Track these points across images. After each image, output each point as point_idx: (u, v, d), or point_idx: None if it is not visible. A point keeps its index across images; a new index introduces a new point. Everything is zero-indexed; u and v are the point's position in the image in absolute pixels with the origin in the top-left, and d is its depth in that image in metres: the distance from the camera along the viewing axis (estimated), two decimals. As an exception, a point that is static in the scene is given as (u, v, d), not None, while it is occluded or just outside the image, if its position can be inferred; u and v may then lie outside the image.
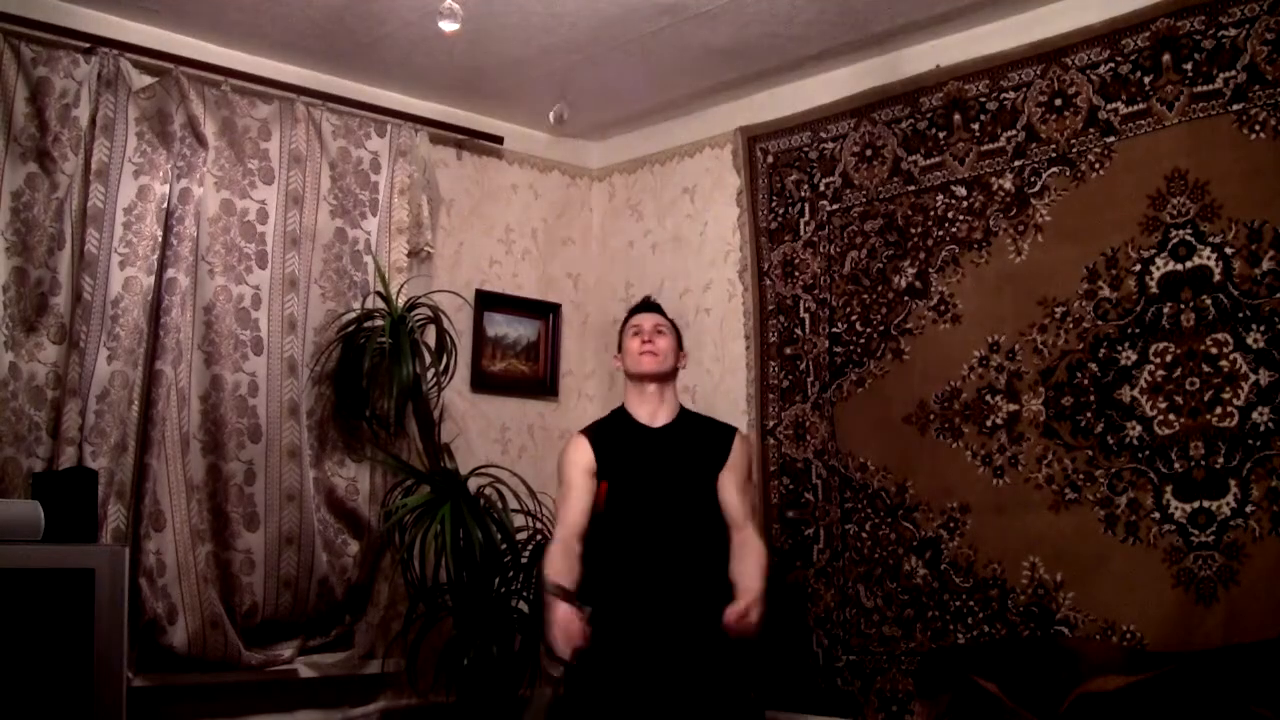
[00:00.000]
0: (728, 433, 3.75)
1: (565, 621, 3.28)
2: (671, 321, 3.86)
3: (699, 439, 3.71)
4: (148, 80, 4.06)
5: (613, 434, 3.73)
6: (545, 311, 5.15)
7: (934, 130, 4.08)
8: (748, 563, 3.47)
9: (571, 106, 4.70)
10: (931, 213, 4.05)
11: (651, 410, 3.72)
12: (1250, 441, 3.29)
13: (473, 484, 4.30)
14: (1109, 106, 3.66)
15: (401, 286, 4.49)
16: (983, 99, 3.96)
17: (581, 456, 3.65)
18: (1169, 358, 3.47)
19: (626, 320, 3.84)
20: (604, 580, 3.49)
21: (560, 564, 3.42)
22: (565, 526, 3.54)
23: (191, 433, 4.02)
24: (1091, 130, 3.69)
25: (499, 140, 5.01)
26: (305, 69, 4.46)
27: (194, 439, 4.03)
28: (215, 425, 4.08)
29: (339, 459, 4.37)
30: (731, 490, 3.62)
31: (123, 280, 3.89)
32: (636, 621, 3.48)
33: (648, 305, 3.89)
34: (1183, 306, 3.45)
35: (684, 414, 3.78)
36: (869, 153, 4.26)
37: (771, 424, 4.44)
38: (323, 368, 4.34)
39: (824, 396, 4.30)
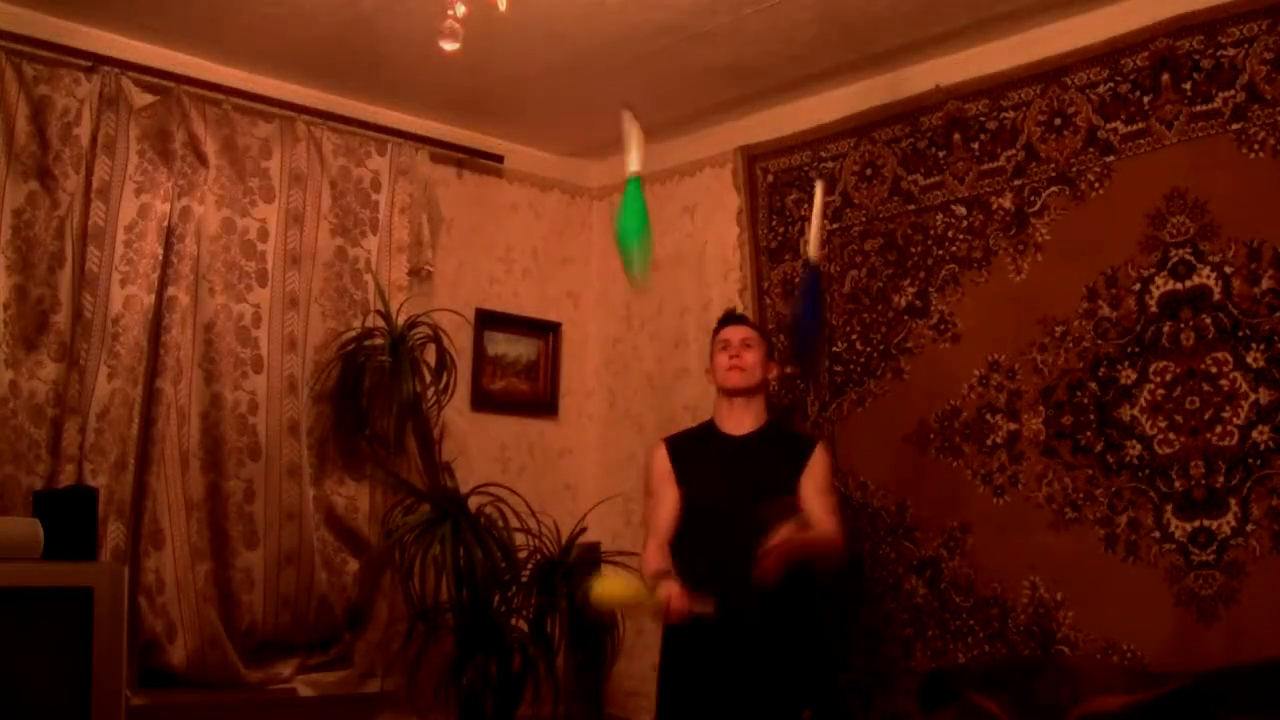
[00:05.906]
0: (809, 442, 3.75)
1: (674, 595, 3.41)
2: (761, 332, 3.87)
3: (780, 448, 3.71)
4: (149, 99, 4.07)
5: (693, 442, 3.78)
6: (545, 330, 5.16)
7: (934, 149, 4.09)
8: (813, 529, 3.49)
9: (572, 125, 4.69)
10: (931, 232, 4.06)
11: (737, 421, 3.73)
12: (1250, 460, 3.29)
13: (473, 503, 4.29)
14: (1108, 126, 3.66)
15: (402, 305, 4.49)
16: (982, 118, 3.96)
17: (659, 465, 3.75)
18: (1169, 376, 3.47)
19: (715, 333, 3.84)
20: (685, 580, 3.52)
21: (656, 558, 3.59)
22: (654, 532, 3.68)
23: (191, 451, 4.02)
24: (1091, 149, 3.70)
25: (499, 159, 5.02)
26: (306, 87, 4.47)
27: (194, 457, 4.03)
28: (215, 443, 4.08)
29: (338, 477, 4.37)
30: (811, 494, 3.61)
31: (123, 298, 3.90)
32: (712, 622, 3.47)
33: (734, 318, 3.88)
34: (1182, 325, 3.45)
35: (770, 425, 3.77)
36: (869, 172, 4.27)
37: (771, 442, 4.44)
38: (322, 386, 4.33)
39: (824, 415, 4.30)
